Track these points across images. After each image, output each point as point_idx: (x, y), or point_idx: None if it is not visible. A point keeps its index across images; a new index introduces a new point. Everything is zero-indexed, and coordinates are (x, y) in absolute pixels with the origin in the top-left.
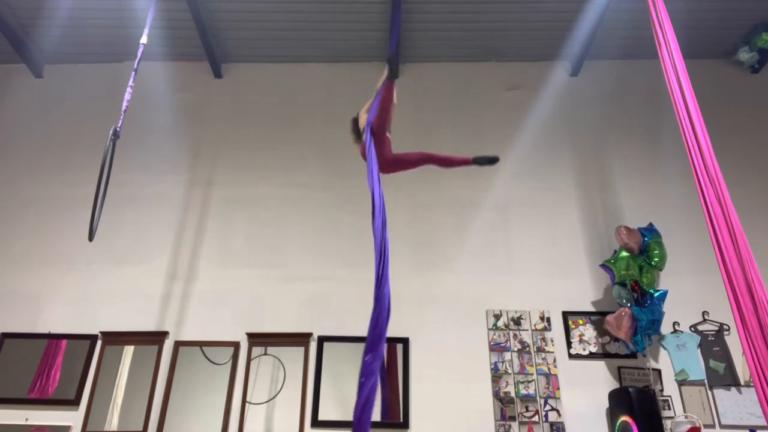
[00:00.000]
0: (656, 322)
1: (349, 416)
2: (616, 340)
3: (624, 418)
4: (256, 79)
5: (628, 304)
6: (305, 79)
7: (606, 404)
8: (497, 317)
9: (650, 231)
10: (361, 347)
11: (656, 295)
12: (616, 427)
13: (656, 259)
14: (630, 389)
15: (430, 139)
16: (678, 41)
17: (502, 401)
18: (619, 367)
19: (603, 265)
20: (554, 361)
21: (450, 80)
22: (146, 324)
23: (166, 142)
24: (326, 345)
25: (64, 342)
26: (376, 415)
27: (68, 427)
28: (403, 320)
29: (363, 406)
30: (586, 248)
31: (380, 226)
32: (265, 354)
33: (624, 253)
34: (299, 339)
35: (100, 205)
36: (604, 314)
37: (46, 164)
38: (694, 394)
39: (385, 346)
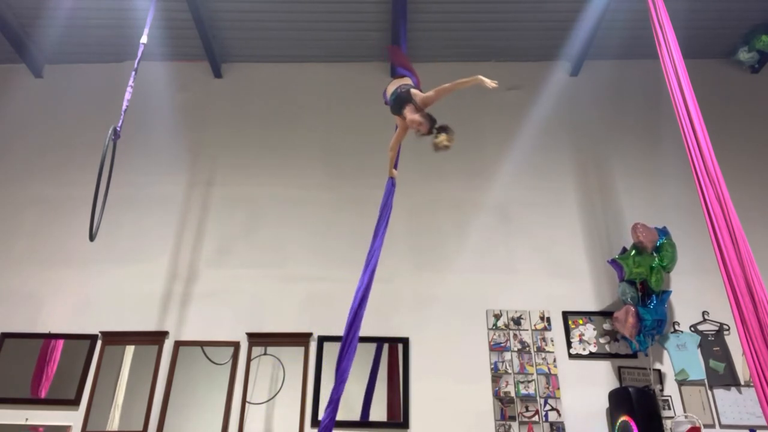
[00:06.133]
0: (661, 322)
1: (348, 416)
2: (617, 339)
3: (624, 418)
4: (256, 79)
5: (633, 303)
6: (305, 79)
7: (606, 404)
8: (497, 317)
9: (664, 233)
10: (360, 347)
11: (661, 296)
12: (616, 427)
13: (666, 261)
14: (630, 389)
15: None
16: (678, 41)
17: (502, 401)
18: (620, 367)
19: (612, 261)
20: (554, 361)
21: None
22: (146, 324)
23: (166, 142)
24: (326, 345)
25: (64, 342)
26: (378, 415)
27: (68, 427)
28: (403, 320)
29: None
30: (586, 248)
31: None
32: (265, 354)
33: (636, 251)
34: (299, 339)
35: (101, 206)
36: (604, 314)
37: (46, 164)
38: (694, 394)
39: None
